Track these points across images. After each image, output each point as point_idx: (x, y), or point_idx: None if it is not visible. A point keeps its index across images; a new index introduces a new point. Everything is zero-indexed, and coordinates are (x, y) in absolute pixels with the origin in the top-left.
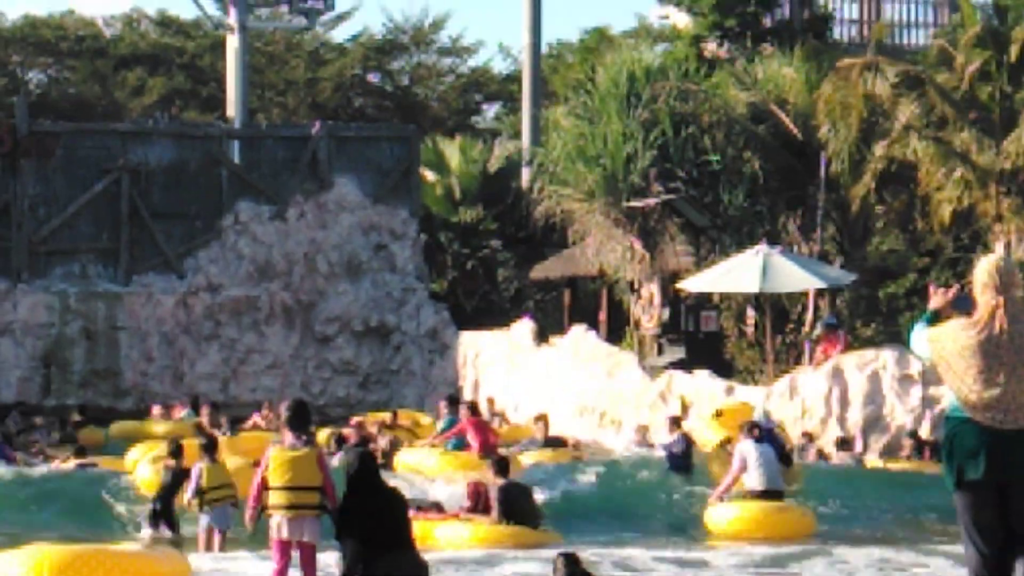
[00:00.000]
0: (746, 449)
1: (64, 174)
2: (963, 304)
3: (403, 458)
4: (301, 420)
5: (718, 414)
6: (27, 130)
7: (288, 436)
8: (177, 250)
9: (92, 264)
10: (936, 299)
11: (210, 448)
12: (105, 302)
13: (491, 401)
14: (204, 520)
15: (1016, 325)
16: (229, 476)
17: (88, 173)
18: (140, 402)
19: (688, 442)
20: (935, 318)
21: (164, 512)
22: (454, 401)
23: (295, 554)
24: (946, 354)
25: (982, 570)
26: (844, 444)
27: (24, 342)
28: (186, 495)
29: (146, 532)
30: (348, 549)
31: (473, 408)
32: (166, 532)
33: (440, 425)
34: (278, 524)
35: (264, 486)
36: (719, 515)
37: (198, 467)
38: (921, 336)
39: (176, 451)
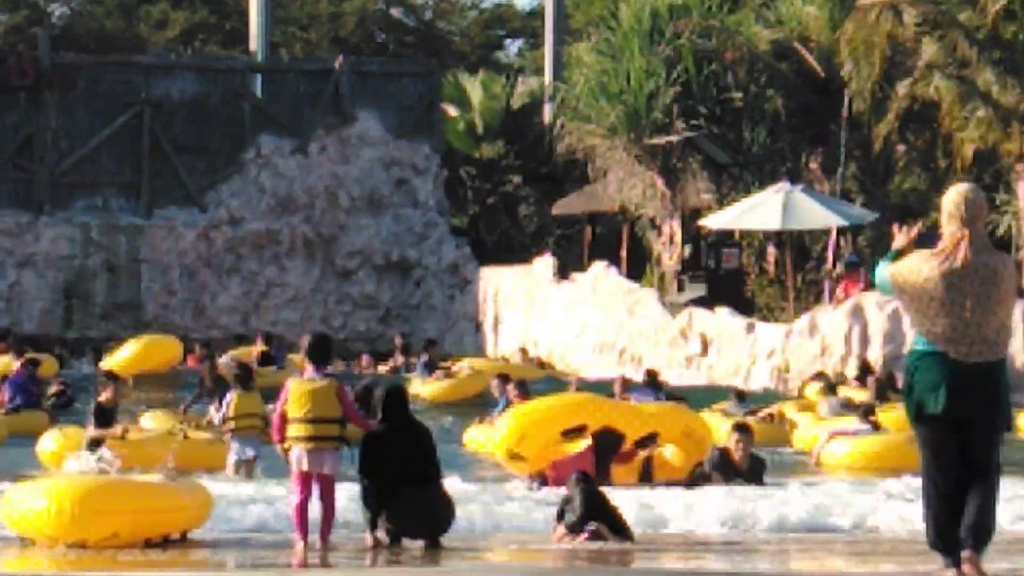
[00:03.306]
0: None
1: (86, 107)
2: (928, 243)
3: (469, 435)
4: (322, 353)
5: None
6: (50, 63)
7: (308, 368)
8: (199, 184)
9: (114, 197)
10: (900, 238)
11: (243, 377)
12: (127, 235)
13: (524, 351)
14: (235, 446)
15: (981, 256)
16: (260, 407)
17: (111, 106)
18: (161, 334)
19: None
20: (899, 257)
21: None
22: (506, 379)
23: (315, 486)
24: (908, 286)
25: (937, 505)
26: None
27: (46, 274)
28: (216, 417)
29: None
30: (370, 481)
31: (521, 385)
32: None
33: (500, 405)
34: (298, 456)
35: (284, 419)
36: None
37: (230, 395)
38: (884, 271)
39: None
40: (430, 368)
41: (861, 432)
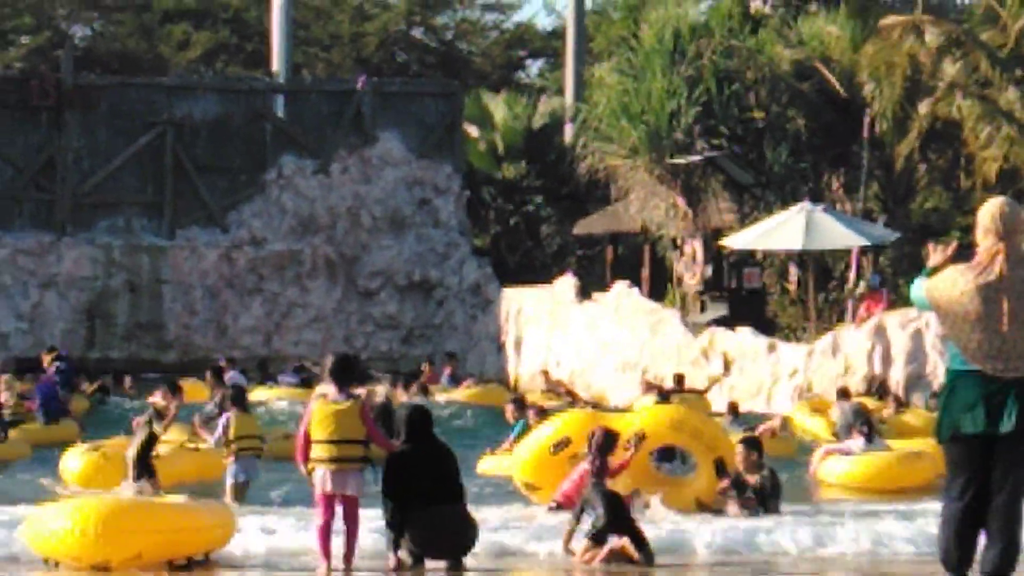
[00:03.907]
0: None
1: (109, 127)
2: (964, 261)
3: (483, 465)
4: (345, 373)
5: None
6: (72, 83)
7: (332, 389)
8: (221, 204)
9: (136, 217)
10: (936, 256)
11: (239, 398)
12: (149, 255)
13: (546, 374)
14: (232, 470)
15: (1017, 271)
16: (258, 428)
17: (133, 126)
18: (183, 355)
19: None
20: (934, 274)
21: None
22: (521, 405)
23: (339, 508)
24: (944, 301)
25: (958, 523)
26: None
27: (68, 295)
28: (211, 439)
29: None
30: (392, 501)
31: (542, 413)
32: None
33: (515, 430)
34: (322, 477)
35: (308, 440)
36: None
37: (226, 416)
38: (919, 287)
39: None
40: (455, 380)
41: (856, 450)
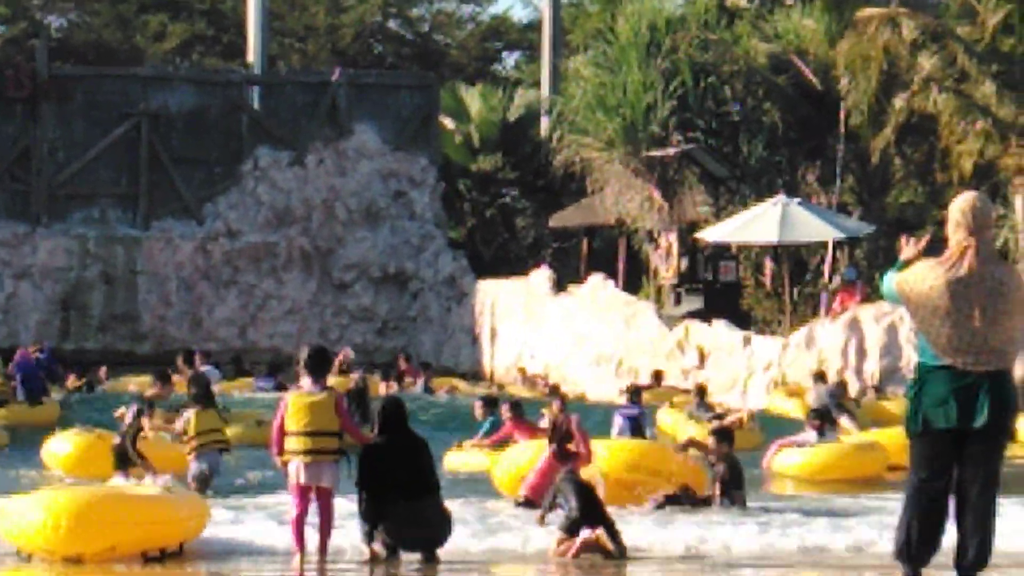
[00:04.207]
0: None
1: (84, 118)
2: (936, 255)
3: (451, 459)
4: (320, 366)
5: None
6: (47, 74)
7: (306, 381)
8: (196, 195)
9: (111, 208)
10: (908, 249)
11: (201, 394)
12: (124, 246)
13: (522, 371)
14: (194, 466)
15: (987, 266)
16: (220, 422)
17: (108, 118)
18: (158, 347)
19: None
20: (906, 268)
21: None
22: (491, 402)
23: (313, 499)
24: (913, 295)
25: (918, 515)
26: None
27: (43, 285)
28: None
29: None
30: (367, 494)
31: (516, 407)
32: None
33: (484, 428)
34: (296, 469)
35: (282, 431)
36: None
37: (186, 414)
38: (890, 280)
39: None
40: (429, 390)
41: (809, 442)
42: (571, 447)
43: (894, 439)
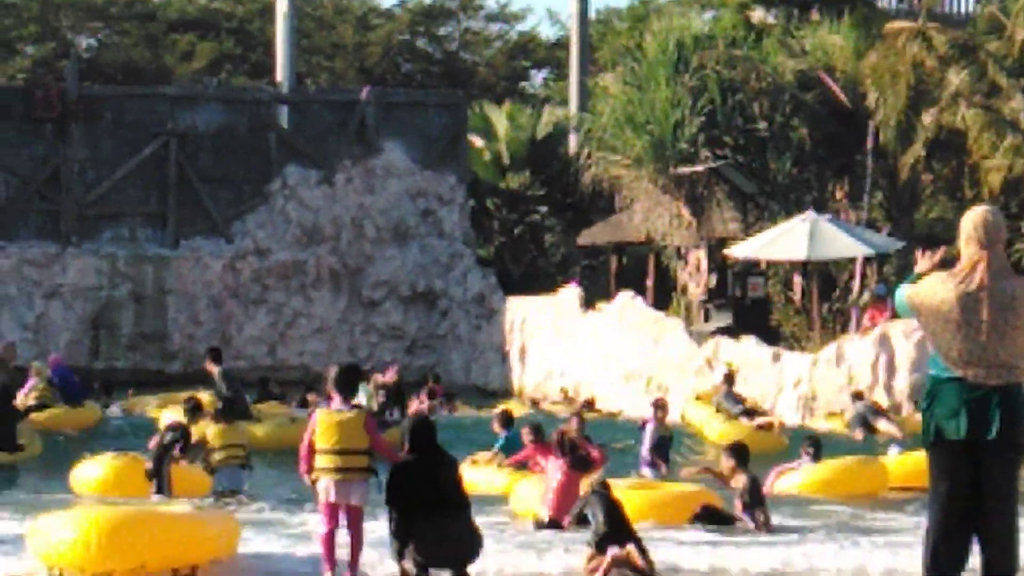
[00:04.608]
0: None
1: (113, 138)
2: (951, 268)
3: (466, 476)
4: (349, 383)
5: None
6: (76, 94)
7: (336, 399)
8: (225, 214)
9: (140, 228)
10: (922, 262)
11: (224, 411)
12: (153, 265)
13: (565, 391)
14: (215, 480)
15: (998, 281)
16: (241, 438)
17: (137, 137)
18: (188, 365)
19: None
20: (920, 281)
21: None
22: (508, 420)
23: (343, 517)
24: (924, 308)
25: (940, 533)
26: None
27: (73, 305)
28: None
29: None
30: (397, 511)
31: (537, 430)
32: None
33: (499, 443)
34: (326, 487)
35: (312, 449)
36: None
37: (211, 429)
38: (902, 292)
39: (192, 410)
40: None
41: (804, 464)
42: (583, 454)
43: None
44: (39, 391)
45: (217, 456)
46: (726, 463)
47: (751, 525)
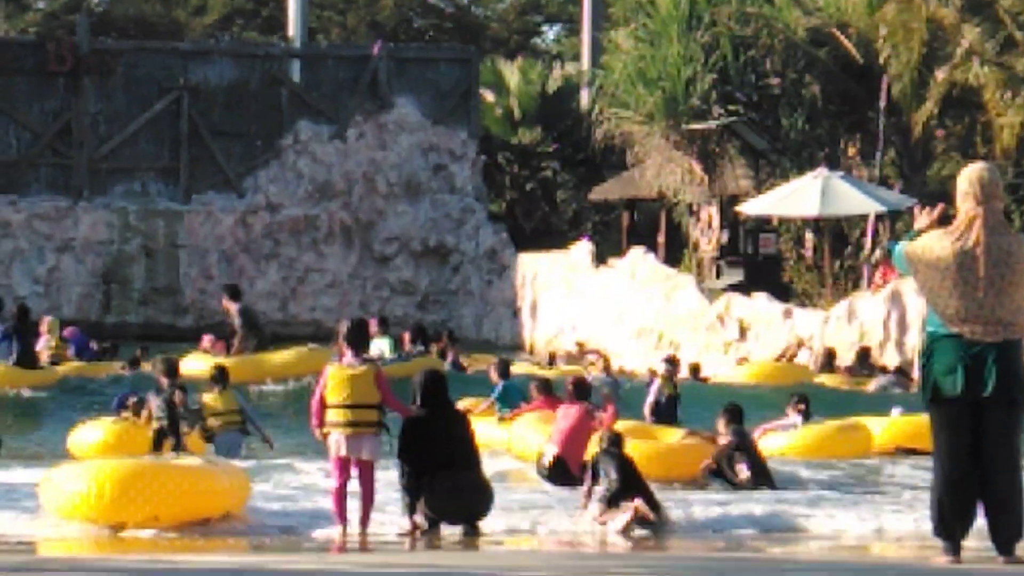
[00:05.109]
0: None
1: (125, 93)
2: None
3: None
4: (360, 338)
5: None
6: (88, 48)
7: (347, 354)
8: (237, 169)
9: (152, 182)
10: (921, 219)
11: (219, 377)
12: (165, 220)
13: (581, 345)
14: (211, 447)
15: (994, 237)
16: (237, 403)
17: (149, 92)
18: (199, 320)
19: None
20: (919, 237)
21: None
22: (505, 369)
23: (354, 471)
24: (921, 265)
25: (944, 490)
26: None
27: (85, 259)
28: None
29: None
30: (408, 466)
31: (545, 385)
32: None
33: (495, 392)
34: (336, 442)
35: (323, 404)
36: None
37: (206, 396)
38: (901, 250)
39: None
40: (457, 367)
41: (794, 425)
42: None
43: None
44: (51, 349)
45: (214, 422)
46: (721, 422)
47: (746, 474)
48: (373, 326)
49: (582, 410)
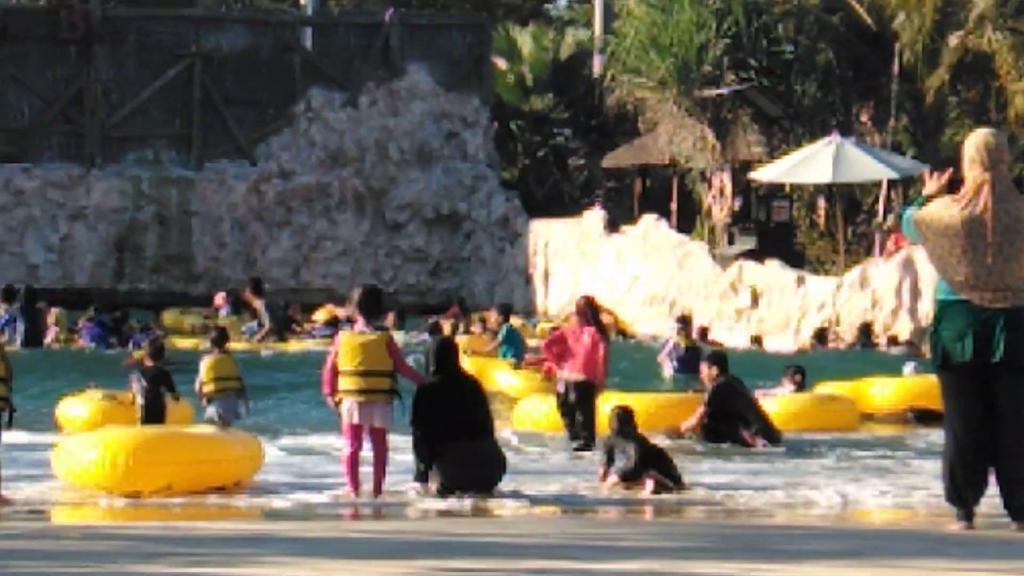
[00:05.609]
0: None
1: (137, 60)
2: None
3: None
4: (372, 305)
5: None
6: (101, 15)
7: (359, 321)
8: (249, 136)
9: (165, 150)
10: (930, 184)
11: (218, 340)
12: (178, 187)
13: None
14: (210, 410)
15: (1002, 203)
16: (236, 369)
17: (161, 59)
18: (212, 287)
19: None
20: (928, 203)
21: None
22: (508, 311)
23: (367, 438)
24: (930, 232)
25: (955, 455)
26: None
27: (97, 227)
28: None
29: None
30: (421, 433)
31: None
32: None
33: (501, 335)
34: (349, 409)
35: (335, 371)
36: None
37: (205, 359)
38: (909, 216)
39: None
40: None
41: (785, 392)
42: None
43: None
44: (60, 342)
45: (210, 387)
46: (707, 371)
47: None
48: (389, 320)
49: (593, 333)
